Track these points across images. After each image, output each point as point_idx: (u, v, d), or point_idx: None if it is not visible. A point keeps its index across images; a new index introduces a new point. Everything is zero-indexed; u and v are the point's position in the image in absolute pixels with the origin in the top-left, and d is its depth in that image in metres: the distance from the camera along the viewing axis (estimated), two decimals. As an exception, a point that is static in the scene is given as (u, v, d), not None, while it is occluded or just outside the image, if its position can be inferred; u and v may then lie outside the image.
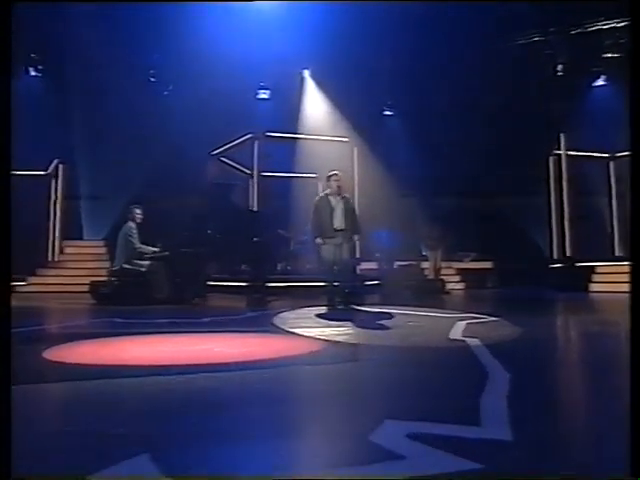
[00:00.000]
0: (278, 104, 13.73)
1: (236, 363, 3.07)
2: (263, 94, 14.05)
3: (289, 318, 5.88)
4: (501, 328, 5.04)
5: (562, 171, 12.17)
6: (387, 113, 14.51)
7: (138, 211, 7.92)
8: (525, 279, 12.09)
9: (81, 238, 12.48)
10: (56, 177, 11.76)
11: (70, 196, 12.33)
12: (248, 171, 13.18)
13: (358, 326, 5.23)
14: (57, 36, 12.50)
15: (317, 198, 7.59)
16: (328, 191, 7.47)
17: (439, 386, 2.70)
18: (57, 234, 11.66)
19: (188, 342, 3.98)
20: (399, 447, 1.71)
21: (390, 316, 6.02)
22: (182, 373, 2.83)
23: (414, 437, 1.80)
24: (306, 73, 13.22)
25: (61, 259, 11.67)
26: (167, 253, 7.70)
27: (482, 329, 4.89)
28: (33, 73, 12.49)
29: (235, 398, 2.42)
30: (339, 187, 7.44)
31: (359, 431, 1.90)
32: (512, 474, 1.58)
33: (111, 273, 7.77)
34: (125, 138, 12.46)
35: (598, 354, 3.80)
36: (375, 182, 11.60)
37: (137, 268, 7.57)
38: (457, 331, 4.64)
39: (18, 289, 10.67)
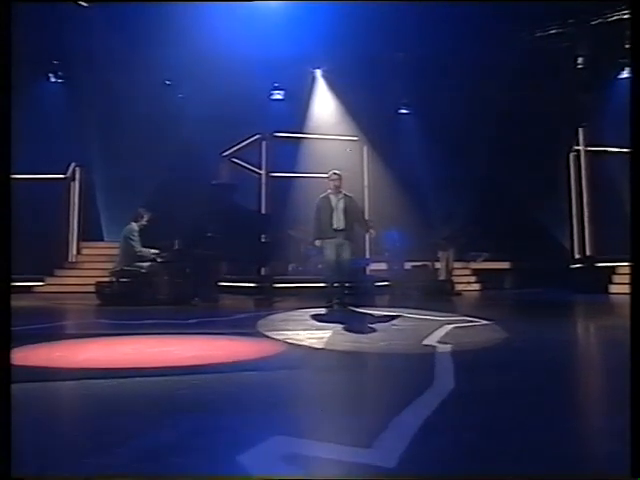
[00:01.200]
0: (292, 104, 13.72)
1: (180, 367, 3.06)
2: (277, 95, 14.04)
3: (277, 320, 5.86)
4: (486, 333, 4.88)
5: (581, 167, 11.73)
6: (403, 111, 14.29)
7: (144, 214, 8.02)
8: (544, 280, 11.72)
9: (102, 239, 12.73)
10: (73, 180, 12.04)
11: (89, 198, 12.61)
12: (261, 171, 13.25)
13: (342, 329, 5.14)
14: (76, 43, 12.80)
15: (318, 198, 7.54)
16: (329, 191, 7.43)
17: (363, 399, 2.61)
18: (74, 236, 11.95)
19: (150, 344, 4.00)
20: (266, 469, 1.63)
21: (380, 319, 5.92)
22: (118, 377, 2.83)
23: (291, 458, 1.72)
24: (318, 73, 13.13)
25: (79, 260, 11.95)
26: (165, 254, 7.76)
27: (465, 334, 4.75)
28: (53, 79, 12.78)
29: (144, 402, 2.40)
30: (336, 186, 7.39)
31: (237, 448, 1.82)
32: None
33: (112, 274, 7.90)
34: (142, 141, 12.69)
35: (577, 365, 3.63)
36: (386, 181, 11.44)
37: (137, 269, 7.67)
38: (436, 336, 4.50)
39: (36, 289, 11.02)
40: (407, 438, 1.89)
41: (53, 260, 11.64)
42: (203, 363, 3.19)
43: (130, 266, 7.69)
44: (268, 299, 8.81)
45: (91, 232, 12.52)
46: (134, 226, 7.87)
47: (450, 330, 4.89)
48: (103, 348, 3.83)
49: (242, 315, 6.35)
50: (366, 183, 11.26)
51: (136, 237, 7.74)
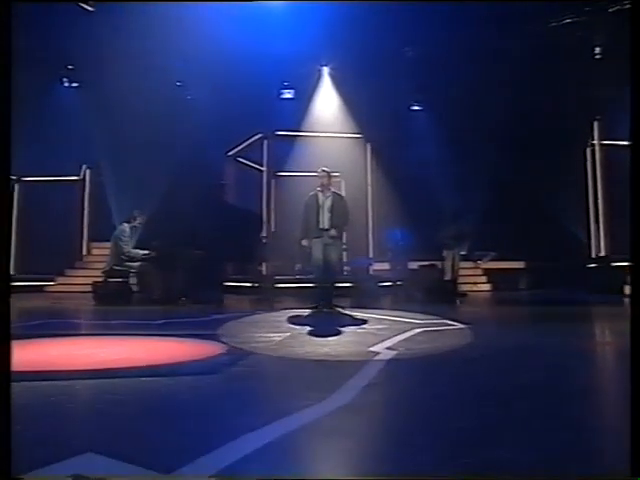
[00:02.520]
0: (303, 103, 13.63)
1: (93, 370, 3.01)
2: (288, 94, 13.96)
3: (247, 322, 5.77)
4: (449, 339, 4.60)
5: (597, 163, 11.21)
6: (415, 108, 13.99)
7: (137, 215, 8.09)
8: (559, 280, 11.25)
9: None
10: (84, 181, 12.29)
11: (101, 199, 12.83)
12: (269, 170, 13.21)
13: (301, 333, 4.99)
14: (88, 47, 13.05)
15: (307, 196, 7.39)
16: (318, 189, 7.27)
17: (229, 412, 2.48)
18: (85, 236, 12.20)
19: (83, 345, 3.98)
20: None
21: (355, 321, 5.75)
22: (26, 380, 2.79)
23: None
24: (325, 70, 12.99)
25: (89, 260, 12.19)
26: (155, 254, 7.79)
27: (425, 339, 4.52)
28: (67, 84, 13.06)
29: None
30: (324, 184, 7.22)
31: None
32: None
33: (102, 274, 7.99)
34: (153, 142, 12.85)
35: (521, 376, 3.38)
36: (391, 179, 11.20)
37: (126, 269, 7.73)
38: (392, 341, 4.32)
39: (47, 289, 11.31)
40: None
41: (65, 260, 11.92)
42: (117, 367, 3.14)
43: (120, 266, 7.77)
44: (266, 299, 8.78)
45: (103, 232, 12.76)
46: (125, 227, 7.95)
47: (413, 335, 4.69)
48: (37, 349, 3.83)
49: (219, 316, 6.29)
50: (369, 181, 11.01)
51: (125, 238, 7.81)
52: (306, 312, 6.71)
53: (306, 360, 3.63)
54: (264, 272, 10.49)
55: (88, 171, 12.36)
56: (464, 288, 10.67)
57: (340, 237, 7.25)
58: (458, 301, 9.48)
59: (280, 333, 4.84)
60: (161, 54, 12.81)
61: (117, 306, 7.42)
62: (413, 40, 12.46)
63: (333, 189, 7.36)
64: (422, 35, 12.05)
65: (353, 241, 11.35)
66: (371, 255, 11.11)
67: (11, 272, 12.82)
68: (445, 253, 10.62)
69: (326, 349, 3.98)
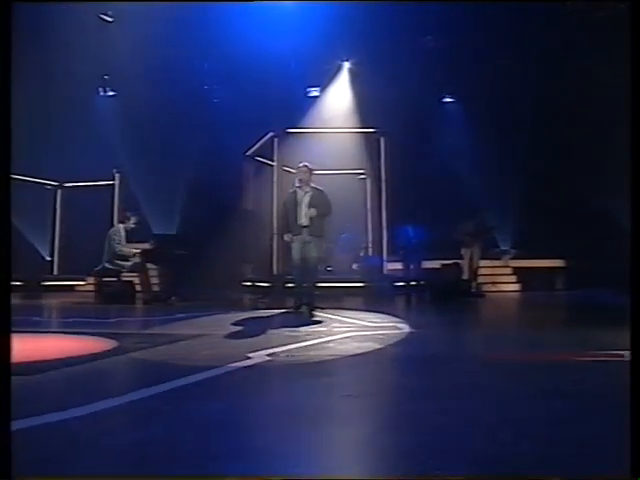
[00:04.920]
0: (326, 99, 13.46)
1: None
2: (314, 92, 13.83)
3: (187, 323, 5.65)
4: (357, 345, 4.06)
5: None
6: (446, 100, 13.38)
7: (130, 216, 8.28)
8: (604, 281, 10.18)
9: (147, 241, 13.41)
10: (114, 185, 12.82)
11: (132, 201, 13.31)
12: (293, 170, 13.12)
13: (224, 334, 4.73)
14: (122, 58, 13.59)
15: (287, 193, 7.18)
16: (297, 185, 7.04)
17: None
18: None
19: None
20: None
21: (306, 323, 5.47)
22: None
23: None
24: (345, 65, 12.71)
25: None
26: (147, 253, 7.93)
27: (335, 346, 4.06)
28: (102, 93, 13.68)
29: None
30: (302, 180, 6.97)
31: None
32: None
33: (95, 273, 8.25)
34: (183, 146, 13.22)
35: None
36: (407, 174, 10.71)
37: (118, 268, 7.93)
38: (296, 345, 3.97)
39: (77, 288, 11.90)
40: None
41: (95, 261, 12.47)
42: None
43: (112, 264, 7.97)
44: (275, 299, 8.70)
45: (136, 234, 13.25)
46: (119, 227, 8.15)
47: (333, 339, 4.32)
48: None
49: (181, 315, 6.24)
50: (384, 177, 10.59)
51: (118, 237, 8.00)
52: (276, 312, 6.55)
53: (154, 362, 3.46)
54: (274, 272, 10.42)
55: (117, 175, 12.84)
56: (484, 288, 10.00)
57: (321, 235, 6.96)
58: (468, 302, 8.86)
59: (199, 334, 4.63)
60: (186, 58, 13.12)
61: (109, 304, 7.65)
62: (440, 30, 11.91)
63: (313, 185, 7.10)
64: (449, 26, 11.51)
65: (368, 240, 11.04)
66: (385, 254, 10.66)
67: (55, 272, 13.73)
68: (463, 251, 10.00)
69: (205, 352, 3.77)
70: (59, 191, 13.81)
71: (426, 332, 4.96)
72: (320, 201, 6.90)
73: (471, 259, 9.91)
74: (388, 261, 10.42)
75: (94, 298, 8.13)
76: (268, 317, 6.29)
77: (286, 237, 6.95)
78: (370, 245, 11.26)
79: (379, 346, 4.03)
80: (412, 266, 10.03)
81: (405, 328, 5.01)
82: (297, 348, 3.87)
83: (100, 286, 8.08)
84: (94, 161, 12.83)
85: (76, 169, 13.07)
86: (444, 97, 13.06)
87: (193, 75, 13.66)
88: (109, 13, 11.50)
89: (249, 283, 10.84)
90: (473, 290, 9.66)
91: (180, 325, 5.31)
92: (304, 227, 6.77)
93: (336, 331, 4.80)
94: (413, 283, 9.85)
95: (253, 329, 5.08)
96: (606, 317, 6.13)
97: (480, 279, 10.26)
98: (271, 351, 3.64)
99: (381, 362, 3.65)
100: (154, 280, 8.15)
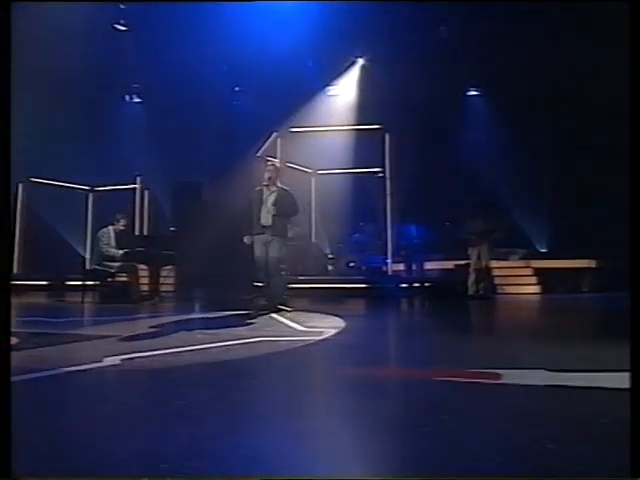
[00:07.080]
0: (349, 98, 13.22)
1: None
2: (333, 90, 13.67)
3: (131, 323, 5.62)
4: (239, 352, 3.73)
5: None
6: (472, 93, 12.78)
7: (120, 218, 8.44)
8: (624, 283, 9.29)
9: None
10: (135, 189, 13.21)
11: (159, 205, 13.67)
12: (309, 170, 13.01)
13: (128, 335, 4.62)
14: (150, 65, 13.95)
15: (253, 191, 6.98)
16: (263, 183, 6.86)
17: None
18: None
19: None
20: None
21: (243, 324, 5.29)
22: None
23: None
24: (359, 62, 12.40)
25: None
26: (133, 255, 8.04)
27: (220, 352, 3.74)
28: (128, 99, 14.14)
29: None
30: (269, 179, 6.79)
31: None
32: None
33: (84, 274, 8.46)
34: (213, 148, 13.47)
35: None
36: (413, 171, 10.25)
37: (107, 269, 8.09)
38: (180, 349, 3.74)
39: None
40: None
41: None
42: None
43: (100, 266, 8.16)
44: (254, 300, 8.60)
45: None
46: (108, 229, 8.30)
47: (237, 345, 4.05)
48: None
49: (141, 315, 6.24)
50: (388, 175, 10.17)
51: (106, 239, 8.16)
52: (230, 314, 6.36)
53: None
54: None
55: (138, 178, 13.20)
56: (500, 290, 9.37)
57: (283, 234, 6.75)
58: (468, 305, 8.30)
59: (106, 335, 4.53)
60: (205, 61, 13.28)
61: (101, 304, 7.86)
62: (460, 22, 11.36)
63: (280, 184, 6.90)
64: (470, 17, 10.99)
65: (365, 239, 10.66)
66: (389, 255, 10.23)
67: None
68: (470, 251, 9.41)
69: (73, 354, 3.69)
70: (90, 195, 14.41)
71: (348, 339, 4.59)
72: (284, 201, 6.69)
73: (478, 259, 9.31)
74: (390, 262, 9.98)
75: (81, 297, 8.31)
76: (210, 318, 6.11)
77: (245, 239, 6.76)
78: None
79: (254, 354, 3.67)
80: (414, 267, 9.57)
81: (329, 334, 4.64)
82: (174, 352, 3.66)
83: (85, 286, 8.29)
84: (121, 165, 13.26)
85: (106, 173, 13.57)
86: (467, 91, 12.47)
87: (213, 77, 13.80)
88: (121, 22, 11.82)
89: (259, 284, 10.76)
90: (480, 292, 9.07)
91: (114, 327, 5.25)
92: (267, 227, 6.59)
93: (253, 334, 4.57)
94: (415, 285, 9.41)
95: (164, 331, 4.94)
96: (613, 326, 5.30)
97: (496, 280, 9.66)
98: (135, 355, 3.48)
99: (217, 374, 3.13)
100: (144, 280, 8.27)
